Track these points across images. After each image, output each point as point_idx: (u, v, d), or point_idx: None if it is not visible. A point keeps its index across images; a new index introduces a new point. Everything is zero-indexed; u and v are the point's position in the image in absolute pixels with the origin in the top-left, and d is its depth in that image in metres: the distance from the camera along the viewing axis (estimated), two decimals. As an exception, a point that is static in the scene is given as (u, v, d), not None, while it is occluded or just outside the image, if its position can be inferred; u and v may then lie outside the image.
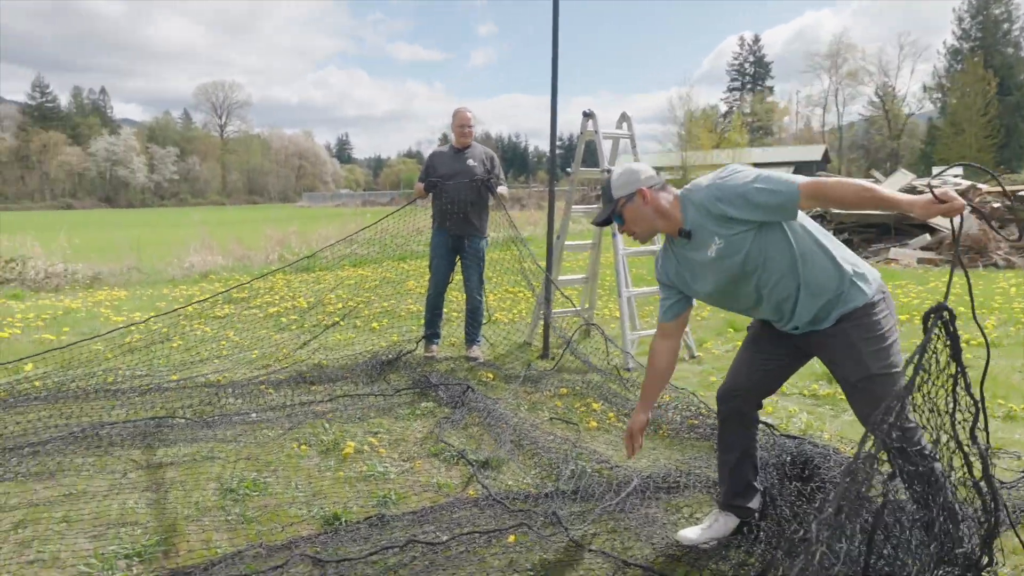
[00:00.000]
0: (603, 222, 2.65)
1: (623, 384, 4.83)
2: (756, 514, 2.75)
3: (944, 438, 2.07)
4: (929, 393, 1.99)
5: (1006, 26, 54.97)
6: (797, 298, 2.42)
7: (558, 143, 5.84)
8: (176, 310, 5.81)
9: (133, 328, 6.36)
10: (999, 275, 10.45)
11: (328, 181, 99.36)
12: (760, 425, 3.86)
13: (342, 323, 7.19)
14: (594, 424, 4.17)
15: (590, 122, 5.87)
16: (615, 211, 2.58)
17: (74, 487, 3.20)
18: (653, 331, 5.94)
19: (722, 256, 2.41)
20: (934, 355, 1.95)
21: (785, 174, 2.33)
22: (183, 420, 4.02)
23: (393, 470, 3.49)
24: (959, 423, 2.06)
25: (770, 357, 2.66)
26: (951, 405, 2.01)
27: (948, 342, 1.94)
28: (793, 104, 72.48)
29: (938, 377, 1.99)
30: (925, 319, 1.93)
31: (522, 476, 3.40)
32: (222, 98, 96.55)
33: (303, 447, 3.75)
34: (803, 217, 2.41)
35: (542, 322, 5.92)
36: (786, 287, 2.41)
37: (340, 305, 7.97)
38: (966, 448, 2.04)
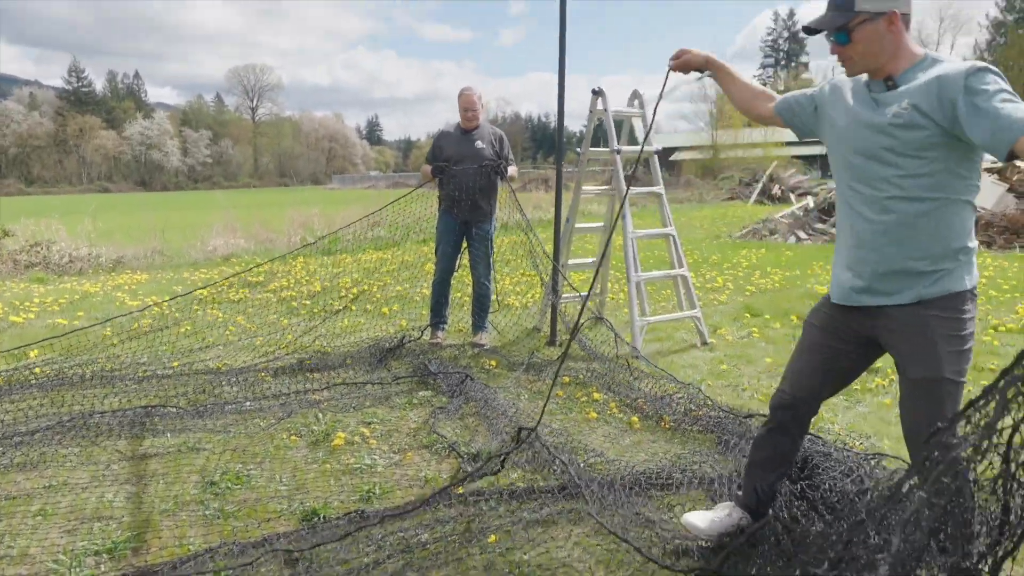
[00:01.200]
0: (815, 31, 2.17)
1: (629, 373, 4.68)
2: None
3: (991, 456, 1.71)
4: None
5: (1053, -3, 52.97)
6: (906, 232, 2.04)
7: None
8: (172, 299, 5.78)
9: (143, 313, 6.35)
10: (1036, 257, 10.04)
11: (358, 163, 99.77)
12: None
13: (353, 308, 7.13)
14: (594, 415, 4.03)
15: (599, 100, 5.68)
16: (846, 25, 2.07)
17: (55, 478, 3.16)
18: (665, 316, 5.80)
19: (896, 123, 2.01)
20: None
21: None
22: (174, 409, 3.96)
23: (381, 463, 3.39)
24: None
25: (837, 353, 2.30)
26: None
27: None
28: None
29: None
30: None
31: (512, 471, 3.28)
32: (253, 81, 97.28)
33: (293, 438, 3.67)
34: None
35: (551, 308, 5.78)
36: (910, 213, 2.03)
37: (355, 289, 7.92)
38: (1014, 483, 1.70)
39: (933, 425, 1.97)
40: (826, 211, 14.23)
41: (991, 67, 1.93)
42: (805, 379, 2.37)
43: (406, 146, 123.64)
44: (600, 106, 5.68)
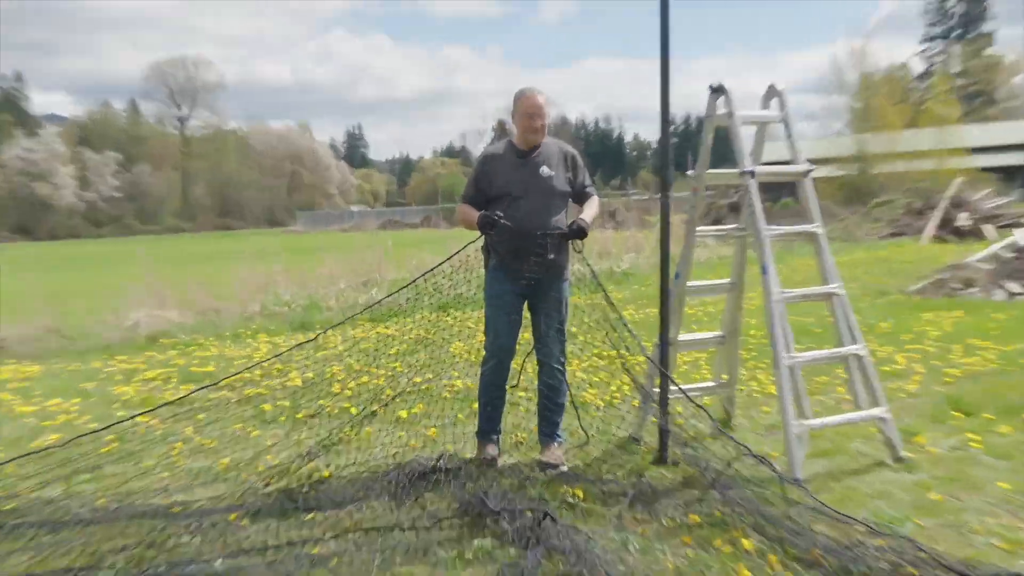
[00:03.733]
0: None
1: (789, 505, 4.57)
2: None
3: None
4: None
5: None
6: None
7: (671, 129, 5.66)
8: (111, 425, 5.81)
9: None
10: None
11: (334, 194, 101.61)
12: None
13: (354, 410, 7.10)
14: (747, 573, 3.92)
15: (720, 100, 5.70)
16: None
17: None
18: (835, 418, 5.67)
19: None
20: None
21: None
22: (110, 573, 3.94)
23: (431, 655, 3.32)
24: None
25: None
26: None
27: None
28: (1028, 57, 70.95)
29: None
30: None
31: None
32: (184, 80, 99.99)
33: (292, 617, 3.62)
34: None
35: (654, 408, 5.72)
36: None
37: (352, 383, 7.91)
38: None
39: None
40: (1048, 251, 14.09)
41: None
42: None
43: (404, 168, 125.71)
44: (722, 108, 5.69)
